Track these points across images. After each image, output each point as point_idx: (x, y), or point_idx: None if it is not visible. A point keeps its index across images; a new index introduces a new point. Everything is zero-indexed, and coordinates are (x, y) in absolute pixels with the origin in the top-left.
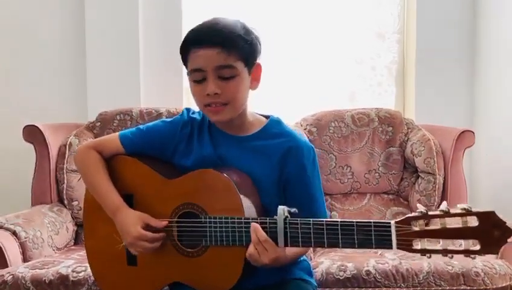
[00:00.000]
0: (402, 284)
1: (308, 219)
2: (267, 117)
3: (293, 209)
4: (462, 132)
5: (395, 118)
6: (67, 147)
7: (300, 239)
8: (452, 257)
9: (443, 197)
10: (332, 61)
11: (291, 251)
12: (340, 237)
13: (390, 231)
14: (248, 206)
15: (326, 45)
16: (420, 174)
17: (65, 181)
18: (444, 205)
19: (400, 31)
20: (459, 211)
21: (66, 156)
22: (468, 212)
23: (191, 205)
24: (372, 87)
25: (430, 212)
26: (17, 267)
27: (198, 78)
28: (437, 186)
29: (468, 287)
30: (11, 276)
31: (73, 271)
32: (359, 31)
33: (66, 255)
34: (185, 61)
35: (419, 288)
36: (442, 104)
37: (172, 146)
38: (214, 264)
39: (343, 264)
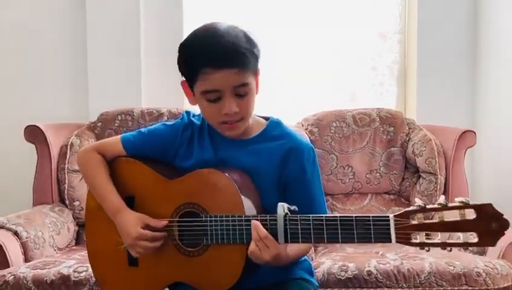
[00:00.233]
0: (403, 285)
1: (308, 215)
2: (266, 119)
3: (293, 207)
4: (464, 132)
5: (397, 118)
6: (68, 147)
7: (300, 235)
8: (451, 249)
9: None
10: (334, 61)
11: (292, 250)
12: (339, 232)
13: (389, 225)
14: (248, 206)
15: (327, 45)
16: (421, 174)
17: (66, 181)
18: (442, 199)
19: (401, 31)
20: (456, 204)
21: (68, 156)
22: (465, 205)
23: (192, 204)
24: (373, 87)
25: (428, 206)
26: (19, 268)
27: (213, 97)
28: (438, 187)
29: (470, 288)
30: (13, 276)
31: (74, 271)
32: (360, 31)
33: (68, 255)
34: (191, 79)
35: (420, 288)
36: (443, 104)
37: (173, 149)
38: (215, 263)
39: (345, 265)
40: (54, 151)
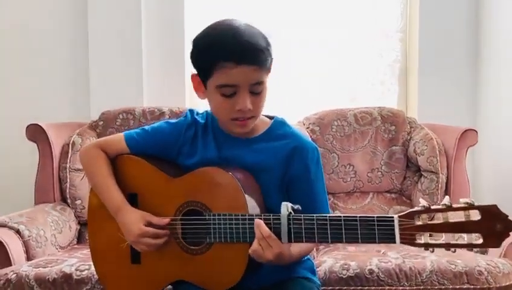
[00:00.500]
0: (405, 283)
1: (312, 215)
2: (271, 118)
3: (296, 206)
4: (465, 131)
5: (398, 116)
6: (70, 145)
7: (304, 235)
8: (455, 251)
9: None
10: (335, 60)
11: (295, 249)
12: (343, 232)
13: (393, 226)
14: (252, 204)
15: (328, 44)
16: (423, 173)
17: (68, 180)
18: (446, 199)
19: (403, 29)
20: (461, 205)
21: (69, 155)
22: (470, 206)
23: (195, 202)
24: (374, 86)
25: (432, 207)
26: (21, 266)
27: (229, 92)
28: (440, 185)
29: (472, 286)
30: (15, 274)
31: (76, 270)
32: (362, 29)
33: (70, 253)
34: (206, 72)
35: (422, 287)
36: (445, 103)
37: (177, 148)
38: (217, 262)
39: (346, 263)
40: (56, 150)
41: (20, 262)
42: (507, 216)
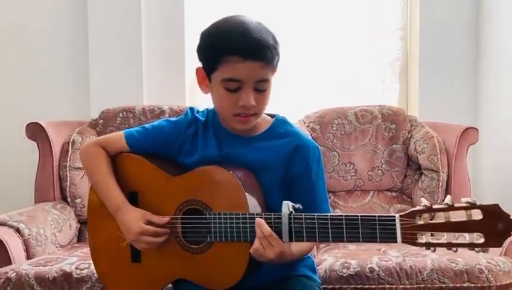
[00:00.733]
0: (406, 282)
1: (313, 214)
2: (272, 116)
3: (297, 205)
4: (466, 129)
5: (398, 115)
6: (70, 144)
7: (305, 234)
8: (456, 250)
9: (446, 194)
10: (335, 58)
11: (296, 248)
12: (344, 231)
13: (394, 225)
14: (253, 203)
15: (329, 42)
16: (423, 171)
17: (68, 179)
18: (448, 199)
19: (403, 27)
20: (463, 204)
21: (69, 154)
22: (472, 206)
23: (196, 201)
24: (375, 84)
25: (434, 206)
26: (21, 265)
27: (233, 87)
28: (440, 184)
29: (472, 285)
30: (15, 273)
31: (76, 268)
32: (362, 28)
33: (70, 252)
34: (212, 65)
35: (422, 285)
36: (445, 101)
37: (177, 146)
38: (218, 261)
39: (347, 261)
40: (56, 149)
41: (20, 261)
42: (509, 216)
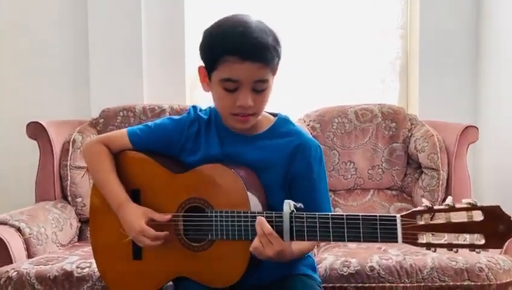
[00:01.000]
0: (406, 280)
1: (314, 213)
2: (274, 115)
3: (299, 204)
4: (466, 128)
5: (399, 113)
6: (70, 143)
7: (305, 233)
8: (457, 251)
9: (447, 193)
10: (336, 56)
11: (296, 247)
12: (345, 230)
13: (395, 225)
14: (254, 202)
15: (329, 41)
16: (424, 170)
17: (69, 178)
18: (449, 200)
19: (404, 26)
20: (464, 205)
21: (70, 153)
22: (473, 207)
23: (198, 199)
24: (375, 83)
25: (435, 207)
26: (22, 264)
27: (231, 87)
28: (441, 182)
29: (472, 283)
30: (16, 272)
31: (77, 267)
32: (362, 26)
33: (70, 251)
34: (212, 64)
35: (423, 284)
36: (445, 100)
37: (180, 144)
38: (219, 258)
39: (347, 260)
40: (56, 148)
41: (21, 260)
42: (510, 217)
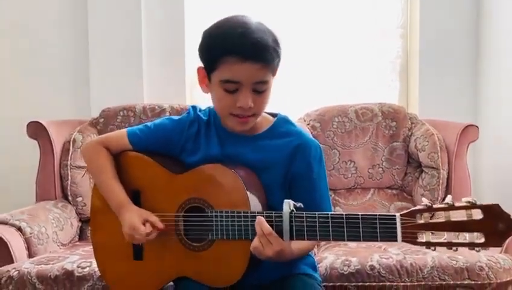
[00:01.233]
0: (406, 279)
1: (314, 213)
2: (274, 115)
3: (299, 204)
4: (466, 127)
5: (399, 112)
6: (71, 143)
7: (305, 233)
8: (457, 249)
9: (447, 192)
10: (336, 56)
11: (296, 246)
12: (345, 230)
13: (395, 224)
14: (254, 202)
15: (329, 40)
16: (424, 169)
17: (69, 177)
18: (448, 198)
19: (404, 25)
20: (463, 204)
21: (70, 152)
22: (472, 205)
23: (198, 199)
24: (375, 82)
25: (435, 205)
26: (23, 263)
27: (231, 88)
28: (441, 181)
29: (473, 282)
30: (17, 272)
31: (78, 267)
32: (362, 25)
33: (71, 250)
34: (211, 65)
35: (423, 283)
36: (445, 99)
37: (180, 145)
38: (219, 258)
39: (347, 259)
40: (57, 148)
41: (21, 259)
42: (509, 216)
